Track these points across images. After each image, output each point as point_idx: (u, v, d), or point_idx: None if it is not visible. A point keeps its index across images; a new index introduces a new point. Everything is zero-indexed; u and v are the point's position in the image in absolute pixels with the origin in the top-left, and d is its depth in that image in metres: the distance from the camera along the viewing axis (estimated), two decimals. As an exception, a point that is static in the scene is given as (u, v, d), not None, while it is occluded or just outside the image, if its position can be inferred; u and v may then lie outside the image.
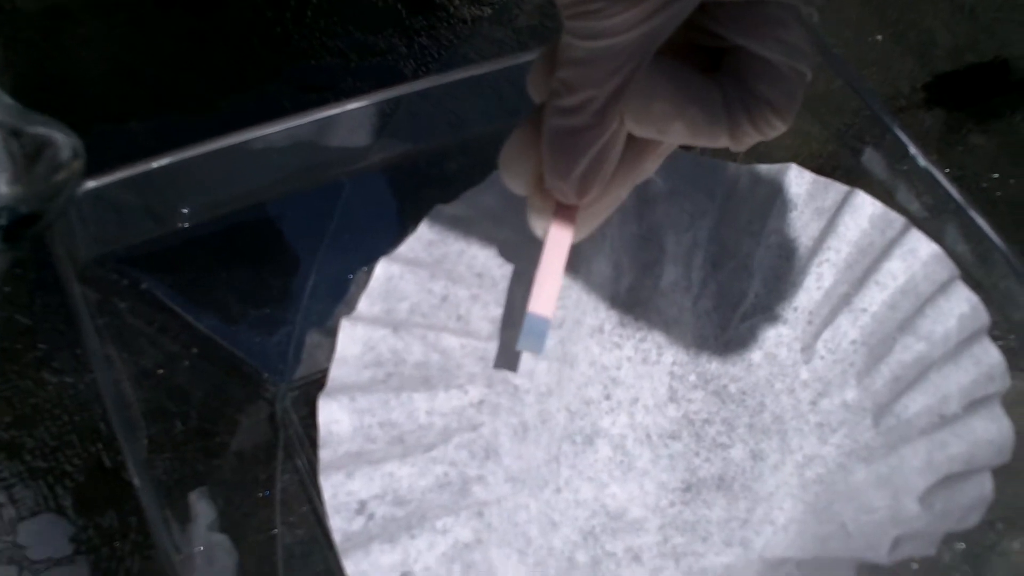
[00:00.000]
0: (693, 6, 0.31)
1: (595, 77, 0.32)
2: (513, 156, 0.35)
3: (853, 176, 0.48)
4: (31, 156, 0.33)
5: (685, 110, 0.32)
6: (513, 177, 0.36)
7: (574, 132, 0.33)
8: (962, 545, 0.42)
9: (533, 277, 0.37)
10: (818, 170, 0.47)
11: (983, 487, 0.39)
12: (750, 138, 0.33)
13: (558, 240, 0.36)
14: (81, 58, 0.63)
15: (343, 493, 0.39)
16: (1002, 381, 0.41)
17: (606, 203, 0.36)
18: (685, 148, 0.49)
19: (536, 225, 0.37)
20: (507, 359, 0.43)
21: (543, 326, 0.37)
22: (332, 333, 0.43)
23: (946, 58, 0.62)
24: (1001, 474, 0.40)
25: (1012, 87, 0.61)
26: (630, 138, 0.34)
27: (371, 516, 0.39)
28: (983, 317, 0.43)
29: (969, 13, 0.65)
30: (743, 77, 0.32)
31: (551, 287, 0.37)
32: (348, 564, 0.38)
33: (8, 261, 0.33)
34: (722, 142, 0.33)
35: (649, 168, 0.36)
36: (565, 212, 0.36)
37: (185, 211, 0.45)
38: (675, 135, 0.33)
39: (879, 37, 0.63)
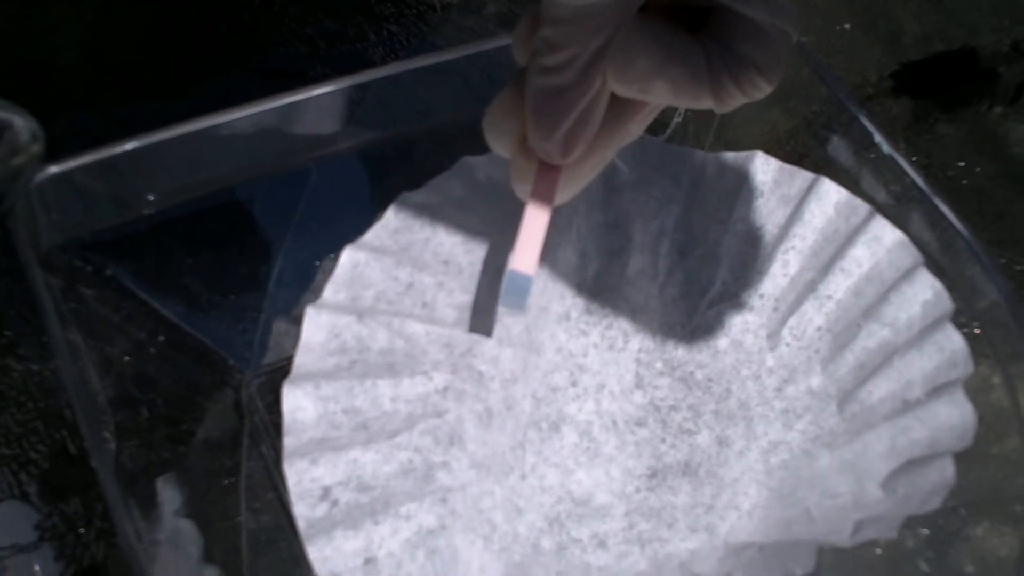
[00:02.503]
0: None
1: (578, 35, 0.31)
2: (497, 118, 0.35)
3: (819, 164, 0.48)
4: None
5: (668, 69, 0.32)
6: (497, 138, 0.35)
7: (558, 91, 0.33)
8: (926, 531, 0.42)
9: (516, 234, 0.37)
10: (785, 158, 0.47)
11: (945, 471, 0.39)
12: (734, 99, 0.33)
13: (541, 201, 0.36)
14: (49, 45, 0.62)
15: (307, 480, 0.39)
16: (965, 367, 0.42)
17: (590, 165, 0.36)
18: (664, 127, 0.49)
19: (519, 186, 0.37)
20: (483, 324, 0.43)
21: (525, 283, 0.37)
22: (298, 320, 0.42)
23: (914, 47, 0.62)
24: (964, 460, 0.40)
25: (979, 76, 0.62)
26: (614, 98, 0.34)
27: (335, 502, 0.39)
28: (946, 304, 0.43)
29: (937, 2, 0.65)
30: (727, 37, 0.32)
31: (533, 246, 0.37)
32: (312, 550, 0.38)
33: None
34: (706, 103, 0.33)
35: (633, 130, 0.36)
36: (548, 173, 0.36)
37: (151, 197, 0.45)
38: (658, 94, 0.33)
39: (847, 26, 0.63)
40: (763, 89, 0.32)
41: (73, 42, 0.62)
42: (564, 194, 0.36)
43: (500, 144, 0.36)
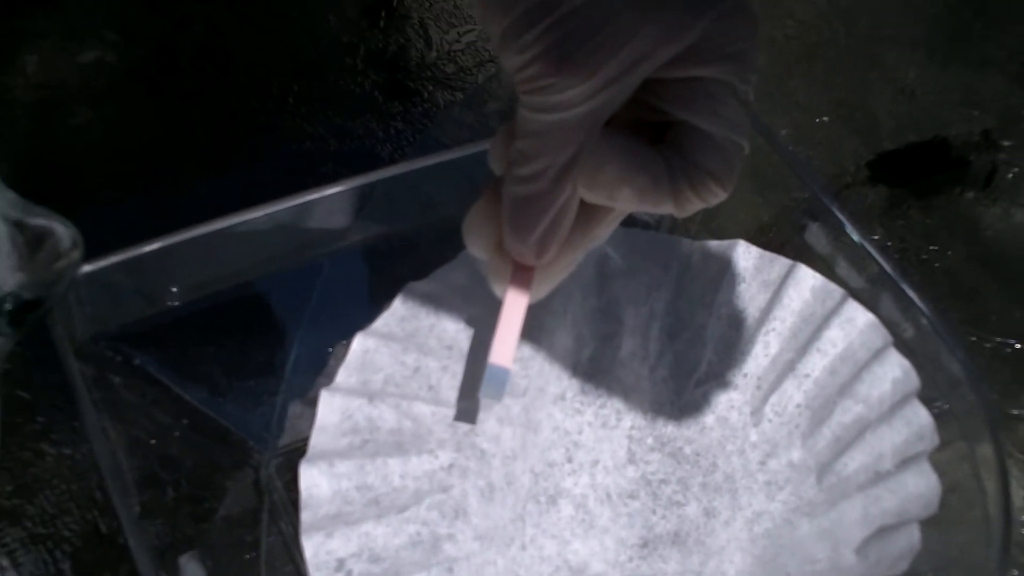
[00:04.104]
0: (637, 83, 0.34)
1: (550, 147, 0.35)
2: (475, 223, 0.39)
3: (798, 250, 0.51)
4: (33, 246, 0.37)
5: (632, 177, 0.35)
6: (475, 242, 0.39)
7: (532, 198, 0.36)
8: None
9: (493, 333, 0.40)
10: (766, 245, 0.50)
11: (912, 537, 0.42)
12: (692, 204, 0.36)
13: (516, 298, 0.39)
14: (74, 145, 0.66)
15: (323, 552, 0.42)
16: (931, 440, 0.45)
17: (561, 265, 0.39)
18: (633, 222, 0.52)
19: (496, 286, 0.40)
20: (466, 414, 0.46)
21: (503, 375, 0.40)
22: (313, 403, 0.46)
23: (889, 138, 0.66)
24: (931, 526, 0.43)
25: (951, 165, 0.65)
26: (583, 204, 0.37)
27: (349, 573, 0.42)
28: (914, 381, 0.46)
29: (910, 95, 0.69)
30: (685, 148, 0.35)
31: (510, 341, 0.40)
32: (328, 618, 0.41)
33: (11, 343, 0.36)
34: (666, 208, 0.36)
35: (601, 233, 0.39)
36: (523, 273, 0.39)
37: (174, 290, 0.49)
38: (624, 200, 0.36)
39: (826, 119, 0.67)
40: (719, 195, 0.36)
41: (96, 142, 0.66)
42: (538, 292, 0.40)
43: (478, 247, 0.39)
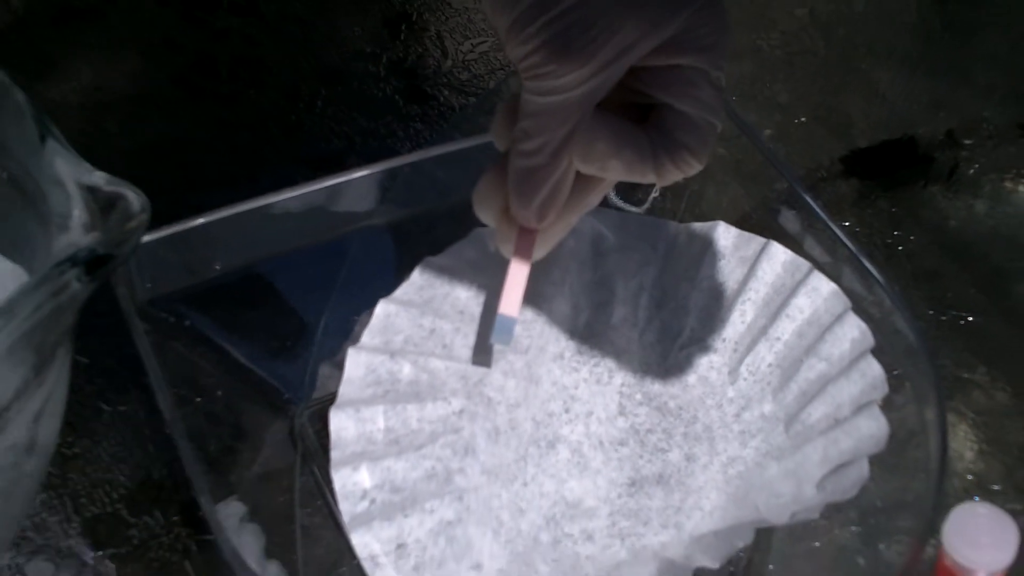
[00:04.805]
0: (624, 70, 0.40)
1: (549, 125, 0.41)
2: (484, 194, 0.45)
3: (773, 233, 0.57)
4: (105, 209, 0.42)
5: (621, 151, 0.41)
6: (484, 210, 0.46)
7: (534, 170, 0.42)
8: (858, 528, 0.51)
9: (501, 288, 0.47)
10: (744, 227, 0.57)
11: (862, 470, 0.48)
12: (671, 175, 0.42)
13: (521, 257, 0.46)
14: (121, 144, 0.73)
15: (350, 483, 0.49)
16: (882, 389, 0.51)
17: (559, 228, 0.46)
18: (625, 193, 0.59)
19: (503, 247, 0.46)
20: (481, 359, 0.53)
21: (510, 323, 0.47)
22: (341, 365, 0.52)
23: (862, 136, 0.72)
24: (884, 471, 0.49)
25: (918, 160, 0.71)
26: (578, 175, 0.43)
27: (373, 501, 0.48)
28: (870, 339, 0.52)
29: (882, 99, 0.75)
30: (667, 127, 0.42)
31: (516, 294, 0.47)
32: (354, 538, 0.47)
33: (86, 293, 0.42)
34: (650, 178, 0.42)
35: (593, 200, 0.46)
36: (526, 236, 0.46)
37: (217, 265, 0.55)
38: (613, 172, 0.42)
39: (803, 119, 0.73)
40: (694, 167, 0.42)
41: (140, 142, 0.73)
42: (539, 252, 0.46)
43: (487, 214, 0.46)
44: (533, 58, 0.39)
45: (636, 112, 0.42)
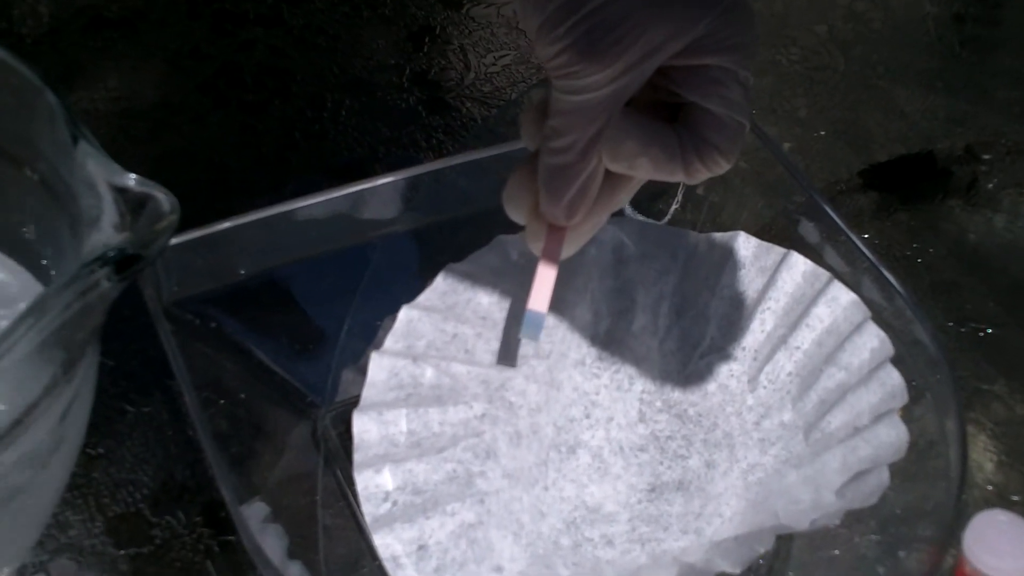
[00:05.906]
0: (652, 70, 0.41)
1: (578, 124, 0.41)
2: (514, 192, 0.46)
3: (793, 243, 0.57)
4: (135, 210, 0.43)
5: (649, 150, 0.42)
6: (515, 207, 0.46)
7: (563, 167, 0.43)
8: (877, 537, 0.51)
9: (531, 283, 0.47)
10: (763, 238, 0.57)
11: (882, 477, 0.49)
12: (700, 174, 0.42)
13: (550, 255, 0.47)
14: (149, 150, 0.74)
15: (372, 485, 0.49)
16: (902, 398, 0.51)
17: (588, 226, 0.46)
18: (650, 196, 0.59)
19: (533, 244, 0.47)
20: (507, 358, 0.54)
21: (539, 319, 0.47)
22: (363, 369, 0.53)
23: (880, 150, 0.73)
24: (904, 480, 0.49)
25: (936, 174, 0.72)
26: (607, 173, 0.44)
27: (395, 503, 0.49)
28: (889, 348, 0.53)
29: (901, 114, 0.76)
30: (695, 126, 0.42)
31: (545, 290, 0.47)
32: (376, 539, 0.48)
33: (116, 292, 0.42)
34: (678, 177, 0.42)
35: (622, 199, 0.46)
36: (555, 233, 0.46)
37: (242, 269, 0.55)
38: (641, 170, 0.43)
39: (823, 133, 0.74)
40: (723, 166, 0.42)
41: (170, 149, 0.74)
42: (568, 250, 0.47)
43: (517, 212, 0.46)
44: (561, 58, 0.40)
45: (666, 111, 0.43)
